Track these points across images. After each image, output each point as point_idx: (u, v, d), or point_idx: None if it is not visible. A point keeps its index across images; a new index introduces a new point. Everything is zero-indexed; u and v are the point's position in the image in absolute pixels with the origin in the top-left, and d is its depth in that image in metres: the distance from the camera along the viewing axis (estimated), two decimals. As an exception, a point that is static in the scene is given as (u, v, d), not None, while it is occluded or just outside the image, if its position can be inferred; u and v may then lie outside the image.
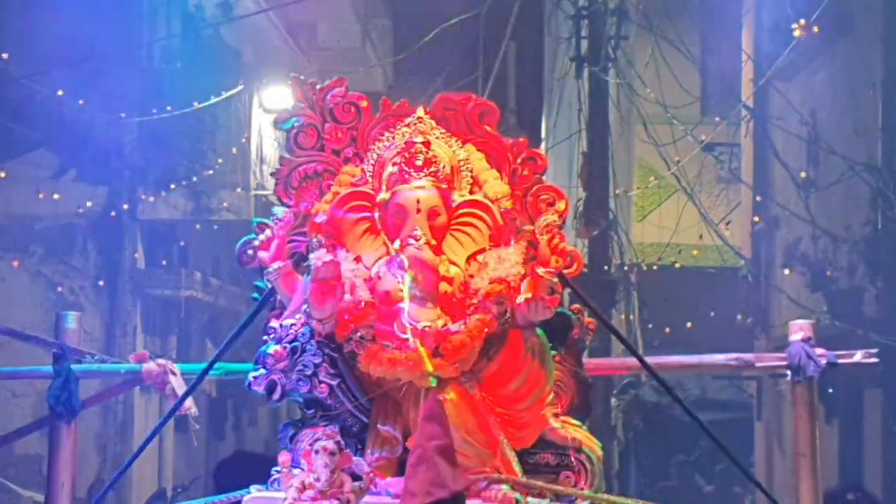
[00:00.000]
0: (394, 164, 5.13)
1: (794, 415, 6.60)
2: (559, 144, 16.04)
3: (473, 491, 4.89)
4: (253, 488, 5.11)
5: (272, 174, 5.42)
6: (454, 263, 5.07)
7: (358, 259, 5.09)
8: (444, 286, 5.01)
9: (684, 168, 15.40)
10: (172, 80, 15.22)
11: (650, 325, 16.25)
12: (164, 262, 16.09)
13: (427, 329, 4.94)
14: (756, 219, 16.03)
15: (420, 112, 5.27)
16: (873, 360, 6.55)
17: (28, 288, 15.43)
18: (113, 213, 15.46)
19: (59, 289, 15.43)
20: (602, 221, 14.11)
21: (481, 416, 5.01)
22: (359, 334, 4.96)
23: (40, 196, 15.21)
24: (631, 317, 16.05)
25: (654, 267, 16.43)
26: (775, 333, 14.66)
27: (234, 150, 15.68)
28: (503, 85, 14.78)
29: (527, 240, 5.13)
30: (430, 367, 4.86)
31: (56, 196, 15.21)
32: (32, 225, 15.50)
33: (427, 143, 5.13)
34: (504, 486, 4.94)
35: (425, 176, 5.08)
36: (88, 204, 15.42)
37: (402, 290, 5.00)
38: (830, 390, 12.07)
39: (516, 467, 5.05)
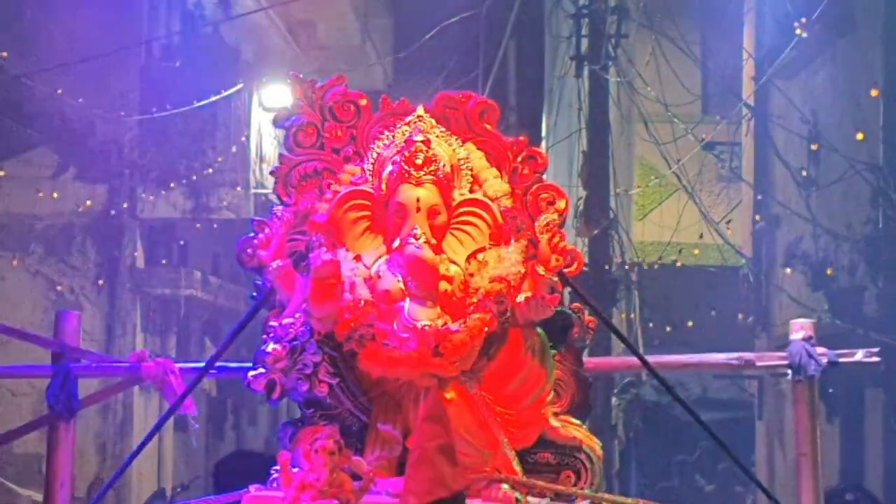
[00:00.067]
0: (394, 163, 5.11)
1: (795, 414, 6.58)
2: (559, 143, 16.03)
3: (474, 490, 4.88)
4: (252, 487, 5.10)
5: (272, 173, 5.40)
6: (454, 262, 5.05)
7: (358, 258, 5.08)
8: (444, 285, 5.00)
9: (685, 167, 15.40)
10: (172, 78, 15.22)
11: (651, 324, 16.26)
12: (163, 261, 16.09)
13: (427, 328, 4.93)
14: (757, 218, 16.02)
15: (420, 110, 5.25)
16: (874, 359, 6.53)
17: (27, 287, 15.44)
18: (112, 212, 15.47)
19: (59, 288, 15.43)
20: (602, 220, 14.10)
21: (481, 415, 5.00)
22: (358, 333, 4.95)
23: (40, 195, 15.22)
24: (631, 316, 16.04)
25: (655, 266, 16.43)
26: (776, 332, 14.65)
27: (234, 148, 15.69)
28: (503, 83, 14.74)
29: (527, 238, 5.12)
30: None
31: (55, 195, 15.22)
32: (32, 224, 15.50)
33: (427, 142, 5.11)
34: (504, 486, 4.93)
35: (425, 174, 5.07)
36: (88, 203, 15.43)
37: (401, 289, 4.99)
38: (831, 390, 12.05)
39: (516, 467, 5.04)
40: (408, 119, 5.24)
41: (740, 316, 16.08)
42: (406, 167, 5.08)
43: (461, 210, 5.12)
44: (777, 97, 15.42)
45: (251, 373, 5.11)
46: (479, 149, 5.26)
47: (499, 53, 14.27)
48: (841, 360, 6.47)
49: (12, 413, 14.13)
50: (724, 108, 16.23)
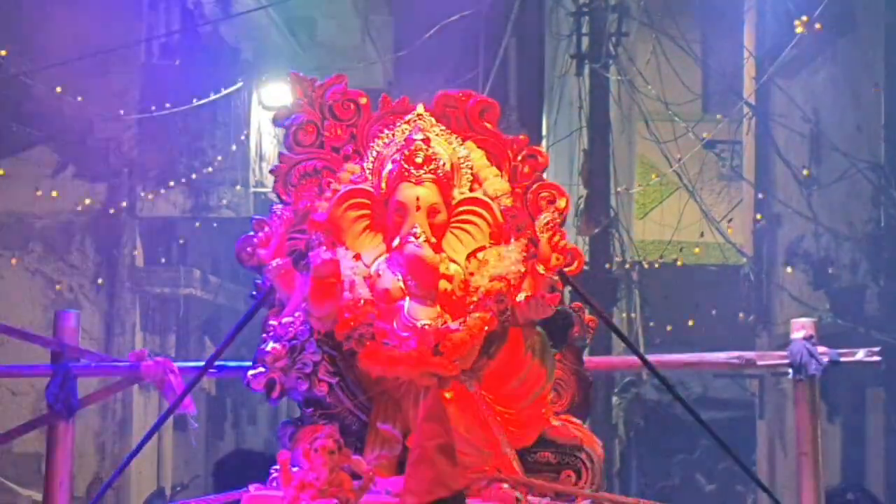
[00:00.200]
0: (394, 162, 5.10)
1: (796, 413, 6.57)
2: (560, 142, 16.01)
3: (474, 490, 4.87)
4: (252, 487, 5.09)
5: (271, 171, 5.39)
6: (454, 261, 5.04)
7: (357, 257, 5.07)
8: (444, 284, 4.99)
9: (686, 165, 15.39)
10: (171, 77, 15.22)
11: (651, 323, 16.24)
12: (163, 260, 16.09)
13: (427, 327, 4.91)
14: (758, 216, 16.00)
15: (420, 109, 5.24)
16: (875, 358, 6.52)
17: (27, 286, 15.43)
18: (112, 211, 15.46)
19: (58, 287, 15.43)
20: (603, 219, 14.09)
21: (481, 414, 4.99)
22: (358, 332, 4.94)
23: (39, 193, 15.21)
24: (632, 315, 16.03)
25: (656, 265, 16.41)
26: (777, 331, 14.64)
27: (234, 147, 15.69)
28: (503, 82, 14.73)
29: (527, 237, 5.10)
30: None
31: (55, 193, 15.21)
32: (31, 223, 15.50)
33: (427, 141, 5.10)
34: (504, 485, 4.92)
35: (425, 173, 5.06)
36: (87, 201, 15.42)
37: (401, 288, 4.98)
38: (832, 389, 12.03)
39: (516, 466, 5.03)
40: (408, 117, 5.23)
41: (741, 315, 16.07)
42: (406, 166, 5.06)
43: (461, 209, 5.11)
44: (778, 96, 15.41)
45: (251, 372, 5.10)
46: (479, 147, 5.25)
47: (499, 52, 14.25)
48: (842, 359, 6.46)
49: (12, 412, 14.12)
50: (725, 107, 16.21)
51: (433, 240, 5.03)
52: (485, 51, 14.78)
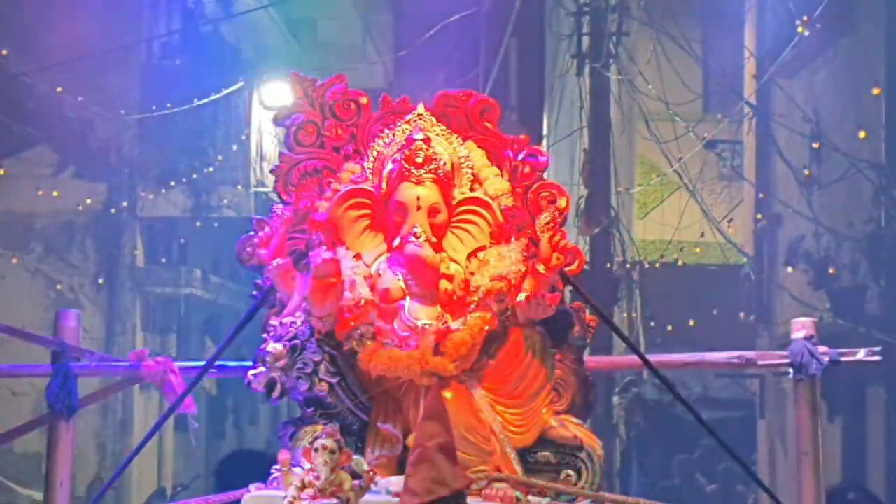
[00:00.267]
0: (394, 161, 5.10)
1: (797, 413, 6.56)
2: (560, 142, 16.01)
3: (474, 490, 4.86)
4: (253, 487, 5.09)
5: (272, 171, 5.39)
6: (454, 261, 5.05)
7: (358, 256, 5.07)
8: (444, 284, 4.99)
9: (686, 165, 15.39)
10: (172, 76, 15.23)
11: (652, 323, 16.23)
12: (163, 260, 16.10)
13: (427, 327, 4.92)
14: (758, 216, 16.00)
15: (420, 109, 5.24)
16: (876, 357, 6.51)
17: (27, 285, 15.44)
18: (112, 211, 15.48)
19: (59, 286, 15.44)
20: (604, 219, 14.10)
21: (482, 414, 4.99)
22: (359, 332, 4.94)
23: (39, 193, 15.22)
24: (633, 314, 16.03)
25: (657, 264, 16.41)
26: (777, 331, 14.64)
27: (234, 147, 15.70)
28: (504, 82, 14.75)
29: (527, 237, 5.11)
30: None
31: (55, 193, 15.22)
32: (32, 222, 15.51)
33: (427, 140, 5.10)
34: (505, 485, 4.92)
35: (426, 173, 5.06)
36: (88, 201, 15.43)
37: (402, 288, 4.98)
38: (833, 388, 12.03)
39: (517, 466, 5.02)
40: (408, 117, 5.23)
41: (742, 314, 16.07)
42: (406, 165, 5.06)
43: (462, 208, 5.11)
44: (778, 95, 15.40)
45: (251, 371, 5.10)
46: (479, 147, 5.25)
47: (500, 52, 14.26)
48: (843, 358, 6.45)
49: (12, 412, 14.11)
50: (726, 107, 16.21)
51: (434, 239, 5.03)
52: (485, 51, 14.78)
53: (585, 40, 14.49)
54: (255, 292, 5.36)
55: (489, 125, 5.28)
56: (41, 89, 14.15)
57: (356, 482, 4.68)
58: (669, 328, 16.08)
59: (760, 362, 6.81)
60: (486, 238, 5.09)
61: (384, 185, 5.11)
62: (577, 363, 5.27)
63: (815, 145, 14.22)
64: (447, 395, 4.90)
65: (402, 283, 5.00)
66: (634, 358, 6.18)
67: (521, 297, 4.96)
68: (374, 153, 5.22)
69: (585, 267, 5.34)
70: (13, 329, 7.37)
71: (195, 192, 15.70)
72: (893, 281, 12.69)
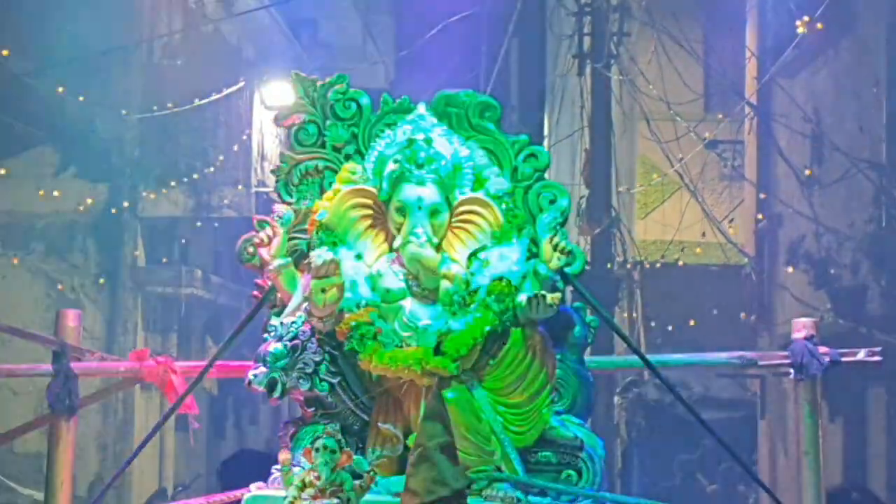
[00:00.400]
0: (395, 161, 5.09)
1: (798, 413, 6.57)
2: (561, 141, 16.02)
3: (474, 490, 4.86)
4: (253, 486, 5.09)
5: (273, 171, 5.38)
6: (455, 261, 5.04)
7: (358, 256, 5.06)
8: (444, 284, 4.98)
9: (687, 165, 15.39)
10: (173, 76, 15.22)
11: (653, 323, 16.24)
12: (164, 260, 16.09)
13: (428, 327, 4.91)
14: (759, 216, 16.00)
15: (421, 108, 5.24)
16: (877, 358, 6.52)
17: (28, 285, 15.44)
18: (113, 211, 15.47)
19: (60, 286, 15.43)
20: (604, 219, 14.10)
21: (482, 414, 4.98)
22: (359, 332, 4.94)
23: (41, 193, 15.22)
24: (634, 314, 16.04)
25: (657, 264, 16.41)
26: (778, 331, 14.63)
27: (236, 147, 15.70)
28: (505, 82, 14.76)
29: (528, 237, 5.10)
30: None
31: (56, 193, 15.22)
32: (33, 222, 15.50)
33: (428, 140, 5.10)
34: (505, 485, 4.91)
35: (426, 173, 5.05)
36: (89, 201, 15.43)
37: (403, 288, 4.98)
38: (833, 388, 12.02)
39: (517, 466, 5.02)
40: (409, 117, 5.22)
41: (742, 315, 16.06)
42: (407, 165, 5.06)
43: (462, 209, 5.10)
44: (779, 95, 15.40)
45: (252, 371, 5.10)
46: (480, 147, 5.25)
47: (500, 52, 14.26)
48: (843, 358, 6.47)
49: (13, 412, 14.12)
50: (727, 107, 16.21)
51: (434, 240, 5.03)
52: (486, 51, 14.80)
53: (586, 40, 14.49)
54: (255, 292, 5.36)
55: (490, 125, 5.28)
56: (43, 89, 14.15)
57: (356, 482, 4.68)
58: (670, 328, 16.08)
59: (761, 362, 6.83)
60: (487, 238, 5.09)
61: (385, 185, 5.11)
62: (578, 363, 5.27)
63: (816, 145, 14.22)
64: (448, 395, 4.90)
65: (402, 283, 4.99)
66: (635, 358, 6.19)
67: (522, 297, 4.95)
68: (375, 153, 5.22)
69: (586, 267, 5.33)
70: (14, 329, 7.39)
71: (196, 192, 15.70)
72: (894, 281, 12.68)
